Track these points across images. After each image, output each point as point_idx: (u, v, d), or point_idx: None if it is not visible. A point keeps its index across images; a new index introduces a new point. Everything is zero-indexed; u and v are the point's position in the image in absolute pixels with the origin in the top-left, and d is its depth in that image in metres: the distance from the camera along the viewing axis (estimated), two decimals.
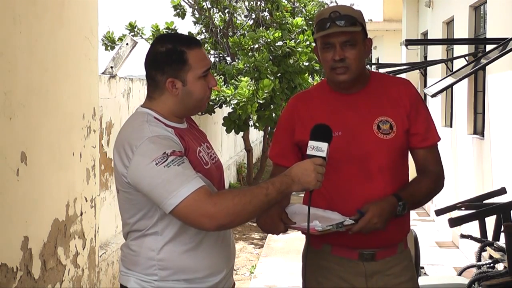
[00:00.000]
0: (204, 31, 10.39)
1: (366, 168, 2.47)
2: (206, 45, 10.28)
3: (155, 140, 2.12)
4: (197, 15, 10.31)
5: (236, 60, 9.49)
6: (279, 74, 9.26)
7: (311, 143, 2.21)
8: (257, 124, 9.42)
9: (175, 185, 2.05)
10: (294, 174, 2.15)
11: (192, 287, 2.22)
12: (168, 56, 2.21)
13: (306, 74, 9.75)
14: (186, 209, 2.05)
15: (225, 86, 8.88)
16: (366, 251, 2.52)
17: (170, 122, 2.24)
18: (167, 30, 9.55)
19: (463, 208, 4.81)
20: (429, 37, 10.85)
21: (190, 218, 2.07)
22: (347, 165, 2.48)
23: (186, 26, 37.54)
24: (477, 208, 4.68)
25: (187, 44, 2.23)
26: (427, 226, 8.98)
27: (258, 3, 10.20)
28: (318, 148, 2.19)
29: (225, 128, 9.48)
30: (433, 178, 2.56)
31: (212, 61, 10.39)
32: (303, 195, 2.54)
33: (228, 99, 8.58)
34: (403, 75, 10.74)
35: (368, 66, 9.14)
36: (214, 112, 9.36)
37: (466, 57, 7.27)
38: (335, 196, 2.49)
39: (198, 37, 10.36)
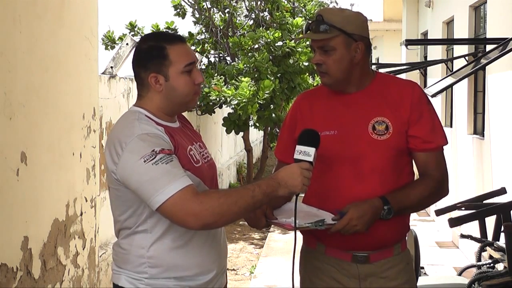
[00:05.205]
0: (204, 31, 10.38)
1: (358, 169, 2.46)
2: (206, 45, 10.28)
3: (144, 137, 2.14)
4: (197, 15, 10.30)
5: (236, 60, 9.49)
6: (279, 74, 9.26)
7: (299, 147, 2.24)
8: (257, 124, 9.42)
9: (162, 182, 2.07)
10: (281, 178, 2.17)
11: (183, 285, 2.23)
12: (149, 52, 2.25)
13: (306, 74, 9.75)
14: (172, 207, 2.07)
15: (225, 86, 8.88)
16: (359, 253, 2.51)
17: (161, 121, 2.26)
18: (167, 30, 9.54)
19: (463, 208, 4.81)
20: (429, 37, 10.85)
21: (176, 216, 2.09)
22: (339, 165, 2.48)
23: (186, 26, 37.52)
24: (477, 208, 4.68)
25: (168, 39, 2.27)
26: (427, 226, 8.98)
27: (258, 3, 10.19)
28: (305, 153, 2.22)
29: (225, 128, 9.48)
30: (431, 184, 2.50)
31: (212, 61, 10.39)
32: (303, 195, 2.54)
33: (228, 99, 8.58)
34: (403, 75, 10.74)
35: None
36: (214, 112, 9.36)
37: (466, 57, 7.27)
38: (327, 195, 2.49)
39: (198, 37, 10.35)
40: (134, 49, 2.41)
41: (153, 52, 2.24)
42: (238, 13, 10.62)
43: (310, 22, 2.52)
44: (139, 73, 2.28)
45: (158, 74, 2.24)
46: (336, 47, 2.46)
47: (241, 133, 10.30)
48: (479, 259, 4.22)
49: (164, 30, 9.35)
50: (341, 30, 2.45)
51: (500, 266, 4.14)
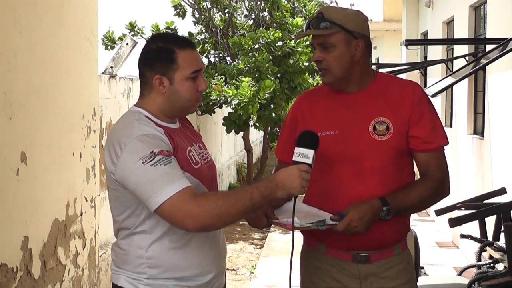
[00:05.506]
0: (204, 31, 10.38)
1: (359, 169, 2.46)
2: (206, 45, 10.27)
3: (143, 138, 2.14)
4: (197, 15, 10.30)
5: (236, 60, 9.49)
6: (279, 74, 9.26)
7: (297, 149, 2.24)
8: (257, 124, 9.42)
9: (160, 184, 2.07)
10: (279, 180, 2.17)
11: (182, 285, 2.24)
12: (158, 53, 2.25)
13: (306, 74, 9.74)
14: (170, 209, 2.07)
15: (225, 86, 8.88)
16: (360, 253, 2.51)
17: (160, 122, 2.26)
18: (167, 30, 9.53)
19: (463, 208, 4.81)
20: (429, 37, 10.85)
21: (174, 218, 2.09)
22: (340, 165, 2.48)
23: (186, 26, 37.54)
24: (477, 208, 4.68)
25: (179, 44, 2.26)
26: (427, 226, 8.98)
27: (258, 3, 10.19)
28: (304, 155, 2.22)
29: (225, 128, 9.48)
30: (431, 185, 2.50)
31: (212, 61, 10.38)
32: (303, 195, 2.54)
33: (229, 99, 8.58)
34: (403, 75, 10.75)
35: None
36: (214, 112, 9.36)
37: (466, 57, 7.27)
38: (328, 195, 2.49)
39: (198, 37, 10.35)
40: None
41: (162, 53, 2.24)
42: (238, 13, 10.62)
43: (310, 19, 2.52)
44: (144, 72, 2.28)
45: (163, 77, 2.24)
46: (336, 44, 2.46)
47: (241, 133, 10.30)
48: (479, 259, 4.22)
49: (165, 31, 9.35)
50: (342, 27, 2.45)
51: (500, 266, 4.14)
